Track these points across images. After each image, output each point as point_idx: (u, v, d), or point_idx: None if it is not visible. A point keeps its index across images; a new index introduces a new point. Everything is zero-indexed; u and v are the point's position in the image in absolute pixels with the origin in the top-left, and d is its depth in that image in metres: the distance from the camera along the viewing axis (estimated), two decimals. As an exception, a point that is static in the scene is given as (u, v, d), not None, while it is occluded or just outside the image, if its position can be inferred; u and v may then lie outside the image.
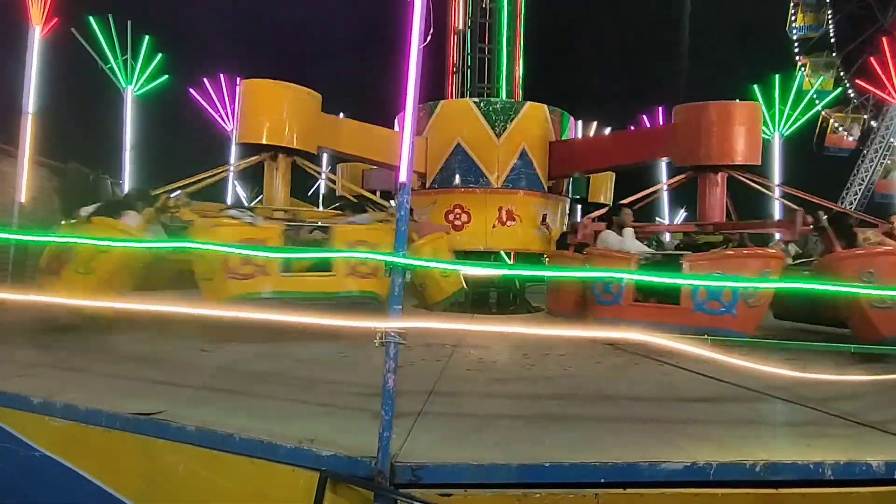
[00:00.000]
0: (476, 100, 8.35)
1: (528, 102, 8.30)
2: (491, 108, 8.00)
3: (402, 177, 2.17)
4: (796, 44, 24.98)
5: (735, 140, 6.53)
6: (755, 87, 19.35)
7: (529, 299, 8.53)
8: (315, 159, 7.17)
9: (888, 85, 17.97)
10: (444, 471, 2.14)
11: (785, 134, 19.92)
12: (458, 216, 7.87)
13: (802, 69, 23.91)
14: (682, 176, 7.07)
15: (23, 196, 8.15)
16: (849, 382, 3.48)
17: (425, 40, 2.20)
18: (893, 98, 18.15)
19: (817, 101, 21.69)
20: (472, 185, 7.90)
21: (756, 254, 5.05)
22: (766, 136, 16.54)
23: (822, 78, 23.13)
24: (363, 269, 4.88)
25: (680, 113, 6.98)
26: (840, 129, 23.67)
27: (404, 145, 2.32)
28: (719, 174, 6.74)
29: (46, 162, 10.88)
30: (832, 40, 24.17)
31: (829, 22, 24.12)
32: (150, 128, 15.82)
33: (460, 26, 9.54)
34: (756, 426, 2.84)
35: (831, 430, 2.79)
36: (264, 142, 6.45)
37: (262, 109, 6.50)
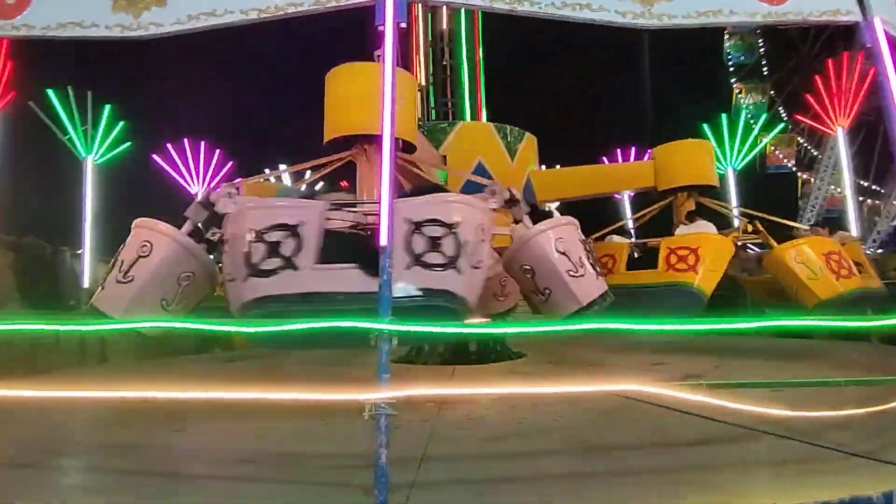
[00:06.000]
0: (495, 124, 8.78)
1: (527, 133, 8.79)
2: (506, 133, 8.51)
3: (383, 240, 2.13)
4: (731, 68, 27.09)
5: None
6: (704, 126, 20.45)
7: (510, 346, 8.44)
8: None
9: (826, 119, 19.35)
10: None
11: (738, 168, 21.03)
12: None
13: (739, 95, 25.81)
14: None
15: (-25, 275, 7.75)
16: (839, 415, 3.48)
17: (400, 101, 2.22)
18: (832, 131, 19.49)
19: (753, 124, 23.16)
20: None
21: None
22: (721, 171, 17.42)
23: (763, 112, 24.77)
24: (681, 265, 6.38)
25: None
26: (775, 151, 25.33)
27: (383, 207, 2.30)
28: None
29: (1, 237, 10.46)
30: (763, 68, 26.52)
31: (761, 49, 26.46)
32: (111, 196, 15.49)
33: (423, 83, 9.85)
34: (754, 467, 2.80)
35: (827, 465, 2.77)
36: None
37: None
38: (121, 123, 15.79)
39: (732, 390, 3.15)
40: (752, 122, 22.85)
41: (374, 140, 5.04)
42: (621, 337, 9.35)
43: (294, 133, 7.59)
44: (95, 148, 15.48)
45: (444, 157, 8.21)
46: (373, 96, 5.03)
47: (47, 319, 4.24)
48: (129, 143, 16.10)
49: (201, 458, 3.30)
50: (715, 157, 9.56)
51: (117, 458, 3.29)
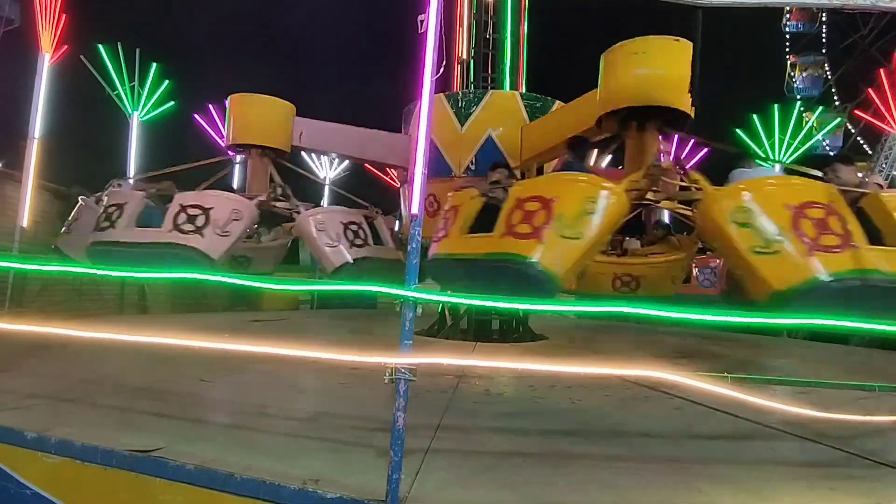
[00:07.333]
0: (448, 93, 8.45)
1: (494, 90, 8.33)
2: (457, 99, 8.13)
3: (414, 208, 2.13)
4: (787, 40, 25.51)
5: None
6: (754, 116, 19.58)
7: (532, 327, 8.42)
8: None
9: (888, 116, 18.23)
10: (454, 515, 2.05)
11: (786, 162, 20.11)
12: (430, 204, 7.93)
13: (791, 73, 24.42)
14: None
15: (25, 220, 8.11)
16: (869, 421, 3.37)
17: (438, 72, 2.18)
18: (891, 128, 18.40)
19: (805, 115, 21.96)
20: (439, 175, 7.87)
21: None
22: (767, 165, 16.72)
23: (820, 108, 23.43)
24: (523, 227, 4.06)
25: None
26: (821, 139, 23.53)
27: (416, 181, 2.29)
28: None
29: (50, 186, 10.91)
30: (823, 41, 24.94)
31: (823, 21, 24.82)
32: (154, 152, 15.92)
33: (464, 56, 9.68)
34: (776, 467, 2.74)
35: (854, 472, 2.69)
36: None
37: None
38: (166, 82, 16.10)
39: (758, 386, 3.07)
40: (804, 112, 21.65)
41: (258, 147, 7.90)
42: (644, 329, 9.23)
43: (327, 104, 7.83)
44: (142, 105, 15.86)
45: (410, 136, 8.38)
46: (262, 120, 7.99)
47: (88, 264, 4.46)
48: (173, 103, 16.43)
49: (225, 408, 3.44)
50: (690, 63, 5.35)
51: (148, 400, 3.45)
